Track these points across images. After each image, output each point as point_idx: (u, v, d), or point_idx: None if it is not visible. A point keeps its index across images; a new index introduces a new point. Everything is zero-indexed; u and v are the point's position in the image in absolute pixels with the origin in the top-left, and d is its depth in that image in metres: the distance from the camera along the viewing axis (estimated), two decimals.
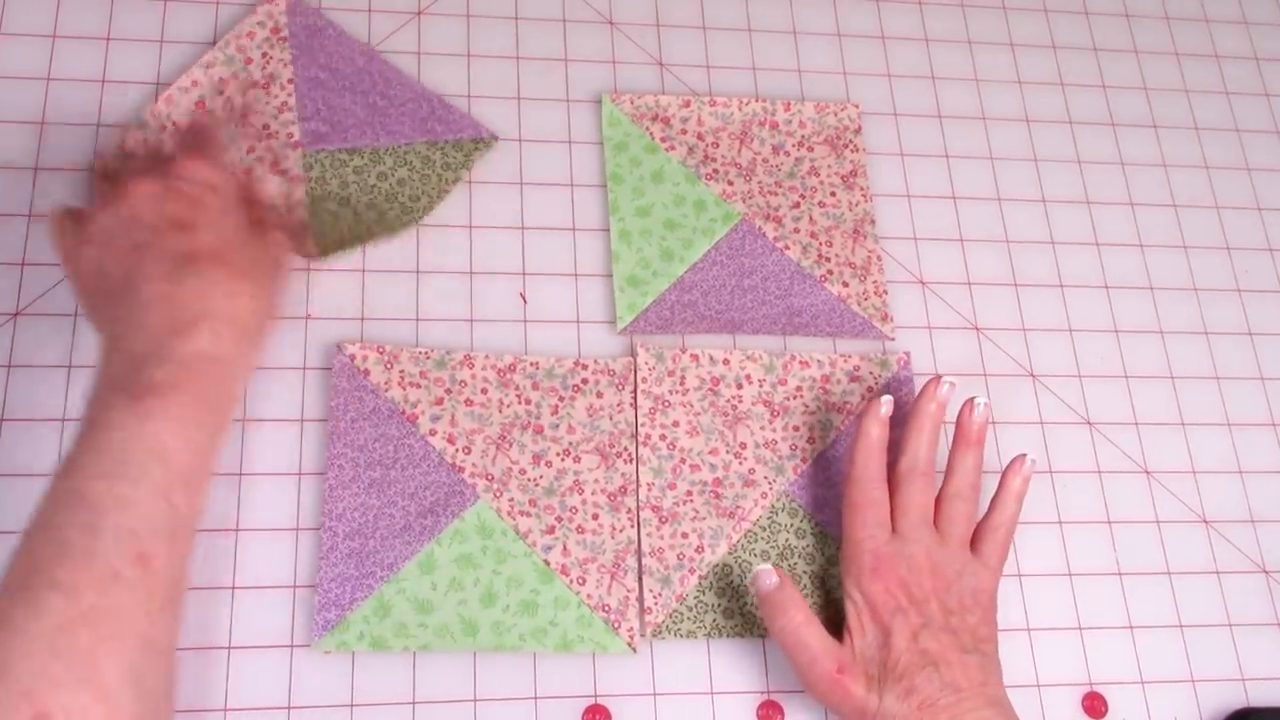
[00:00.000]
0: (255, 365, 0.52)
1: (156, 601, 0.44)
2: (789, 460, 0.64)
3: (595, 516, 0.61)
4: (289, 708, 0.56)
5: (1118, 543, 0.66)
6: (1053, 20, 0.81)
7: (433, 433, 0.62)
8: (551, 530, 0.61)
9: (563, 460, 0.62)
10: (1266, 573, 0.66)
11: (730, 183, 0.70)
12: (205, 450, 0.48)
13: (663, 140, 0.70)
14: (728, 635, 0.60)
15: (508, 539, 0.60)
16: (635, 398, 0.64)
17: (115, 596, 0.42)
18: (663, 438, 0.63)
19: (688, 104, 0.71)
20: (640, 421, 0.63)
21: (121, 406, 0.46)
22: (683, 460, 0.63)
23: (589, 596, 0.60)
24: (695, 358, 0.65)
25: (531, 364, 0.64)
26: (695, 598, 0.60)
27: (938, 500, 0.60)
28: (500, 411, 0.63)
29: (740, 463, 0.64)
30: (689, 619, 0.60)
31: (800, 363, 0.66)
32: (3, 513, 0.58)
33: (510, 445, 0.62)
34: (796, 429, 0.65)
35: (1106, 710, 0.62)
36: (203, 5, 0.70)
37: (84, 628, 0.41)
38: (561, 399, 0.64)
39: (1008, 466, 0.61)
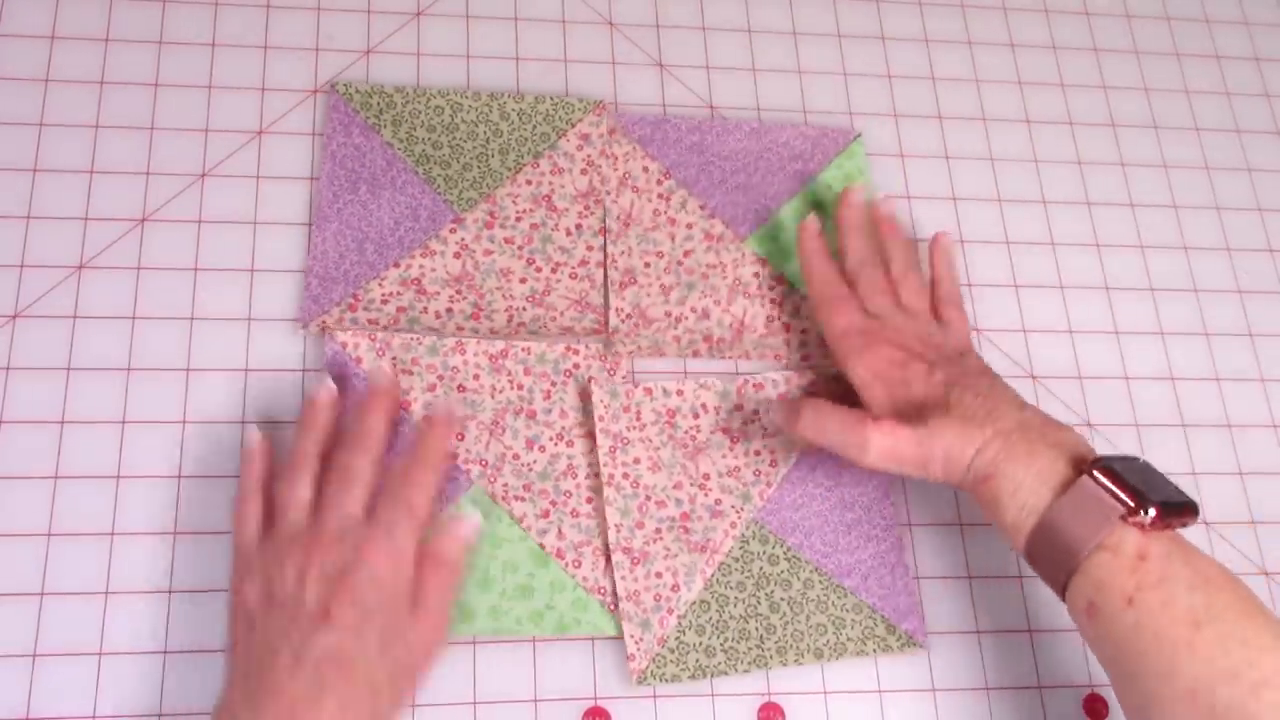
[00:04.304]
0: None
1: None
2: (754, 486, 0.63)
3: (589, 500, 0.61)
4: None
5: None
6: (1053, 20, 0.81)
7: None
8: (546, 514, 0.61)
9: (556, 445, 0.62)
10: (1267, 574, 0.66)
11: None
12: None
13: None
14: (713, 674, 0.59)
15: (503, 524, 0.60)
16: (594, 438, 0.62)
17: None
18: (625, 476, 0.62)
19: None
20: (602, 461, 0.62)
21: None
22: (648, 498, 0.62)
23: (585, 579, 0.60)
24: (649, 391, 0.64)
25: (523, 349, 0.64)
26: (676, 639, 0.59)
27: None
28: (493, 397, 0.63)
29: (705, 494, 0.62)
30: (672, 662, 0.59)
31: (754, 385, 0.65)
32: (3, 514, 0.58)
33: (503, 431, 0.62)
34: (758, 453, 0.64)
35: (1108, 712, 0.61)
36: (201, 6, 0.70)
37: None
38: (554, 384, 0.64)
39: (929, 245, 0.67)
